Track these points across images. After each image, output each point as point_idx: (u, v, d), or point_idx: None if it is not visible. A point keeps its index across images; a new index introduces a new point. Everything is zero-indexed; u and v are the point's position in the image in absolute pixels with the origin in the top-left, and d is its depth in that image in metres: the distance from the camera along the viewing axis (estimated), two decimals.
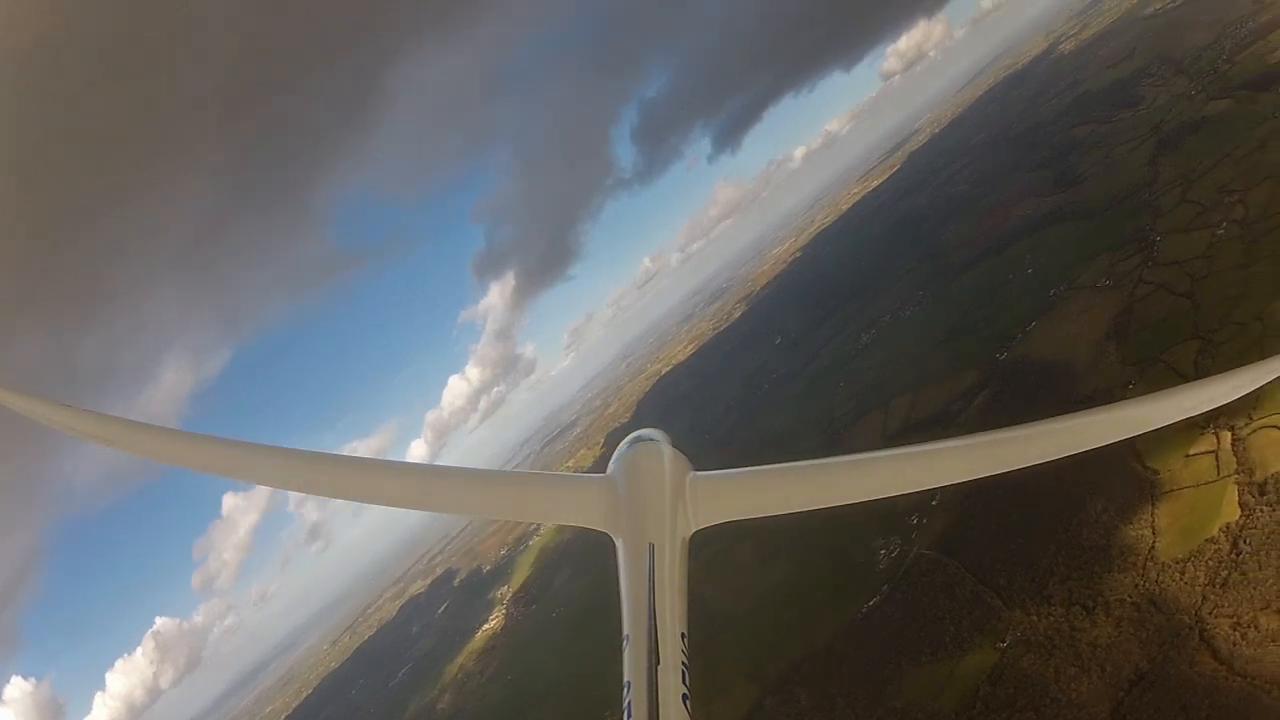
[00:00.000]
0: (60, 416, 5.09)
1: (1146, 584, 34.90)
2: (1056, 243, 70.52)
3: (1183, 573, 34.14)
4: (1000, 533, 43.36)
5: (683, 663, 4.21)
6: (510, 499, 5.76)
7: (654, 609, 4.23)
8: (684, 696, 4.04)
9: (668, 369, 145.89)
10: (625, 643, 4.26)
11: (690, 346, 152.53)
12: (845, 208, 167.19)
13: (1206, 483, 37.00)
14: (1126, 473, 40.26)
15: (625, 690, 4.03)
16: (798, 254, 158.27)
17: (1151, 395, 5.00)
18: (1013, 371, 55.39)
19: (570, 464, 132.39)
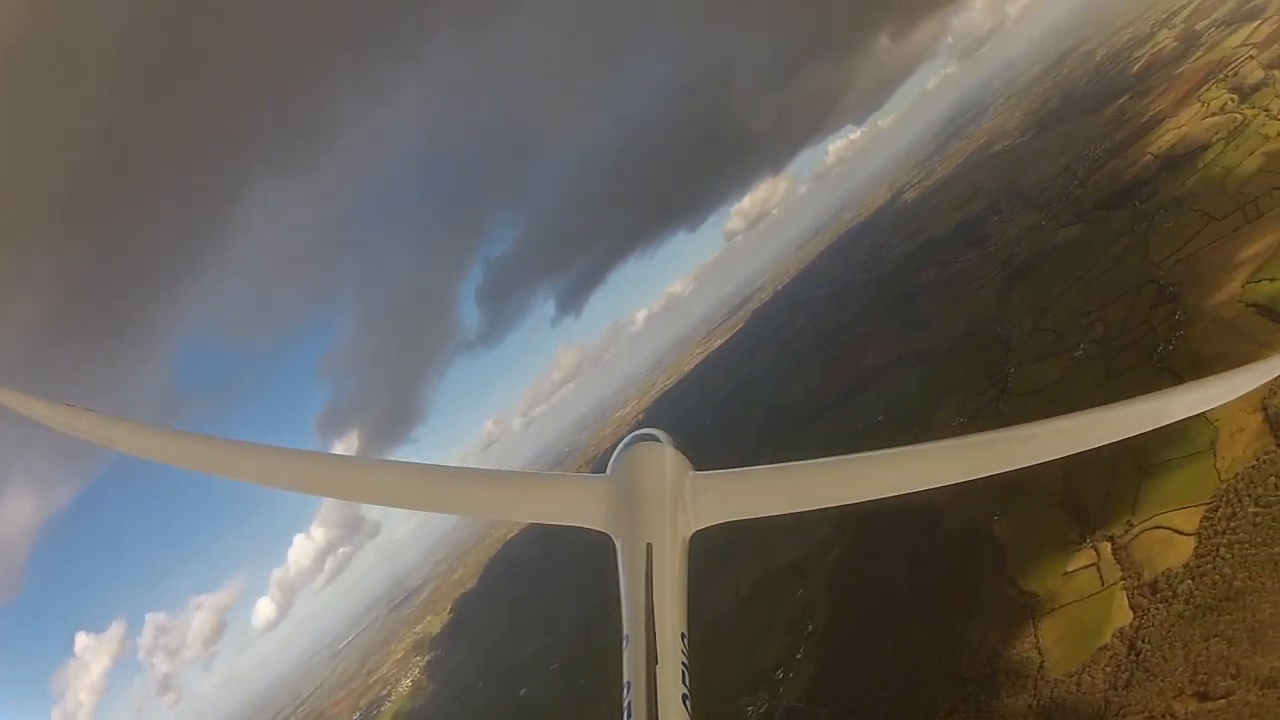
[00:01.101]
0: (62, 417, 5.77)
1: (1041, 701, 39.23)
2: (907, 387, 76.92)
3: (1079, 684, 38.67)
4: (875, 676, 48.00)
5: (682, 663, 4.66)
6: (508, 499, 6.48)
7: (653, 609, 4.79)
8: (684, 696, 4.49)
9: (512, 534, 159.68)
10: (625, 643, 4.76)
11: None
12: (688, 369, 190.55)
13: (1091, 595, 42.37)
14: (1002, 598, 46.05)
15: (625, 690, 4.51)
16: (640, 417, 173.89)
17: (1153, 395, 5.80)
18: (868, 520, 59.48)
19: (418, 629, 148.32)
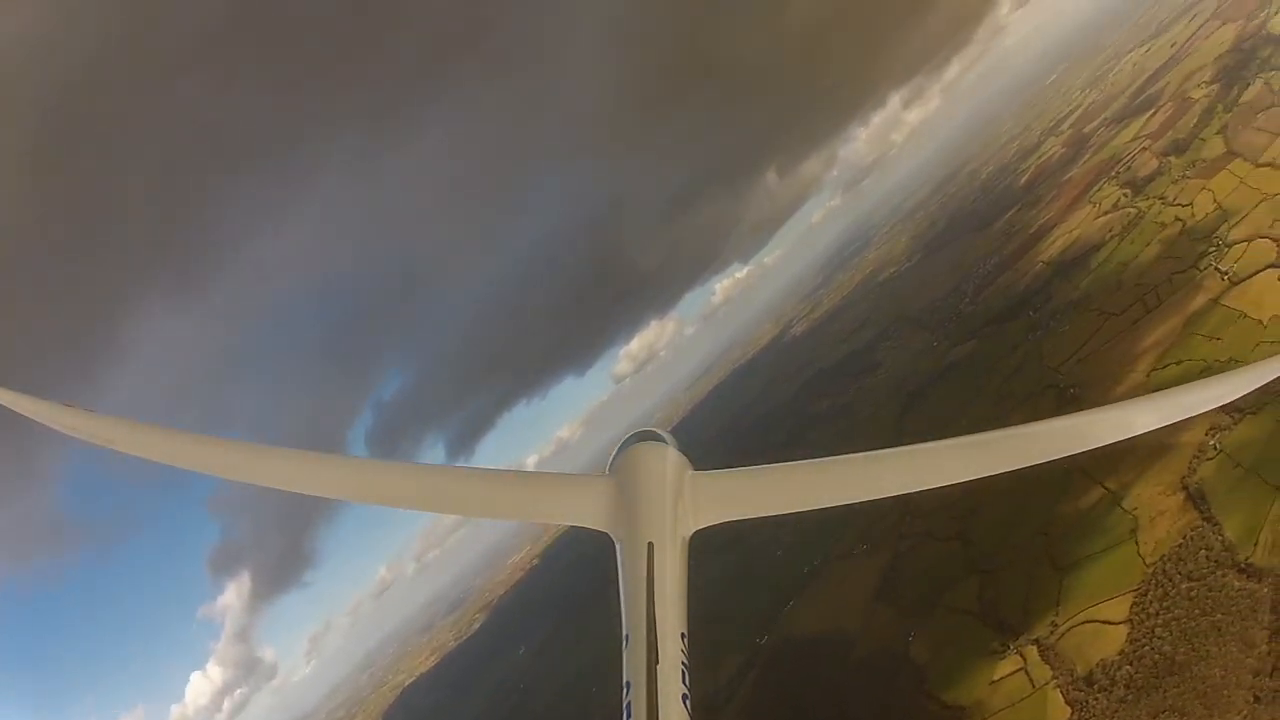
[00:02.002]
0: (63, 418, 6.58)
1: None
2: (805, 520, 79.57)
3: None
4: None
5: (682, 662, 5.15)
6: (508, 499, 7.16)
7: (653, 609, 5.33)
8: (684, 696, 4.95)
9: (411, 680, 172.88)
10: (625, 643, 5.29)
11: (433, 657, 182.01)
12: None
13: (1023, 699, 44.46)
14: (928, 716, 48.74)
15: (625, 690, 4.98)
16: (535, 561, 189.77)
17: (1154, 395, 6.81)
18: (778, 652, 65.47)
19: None
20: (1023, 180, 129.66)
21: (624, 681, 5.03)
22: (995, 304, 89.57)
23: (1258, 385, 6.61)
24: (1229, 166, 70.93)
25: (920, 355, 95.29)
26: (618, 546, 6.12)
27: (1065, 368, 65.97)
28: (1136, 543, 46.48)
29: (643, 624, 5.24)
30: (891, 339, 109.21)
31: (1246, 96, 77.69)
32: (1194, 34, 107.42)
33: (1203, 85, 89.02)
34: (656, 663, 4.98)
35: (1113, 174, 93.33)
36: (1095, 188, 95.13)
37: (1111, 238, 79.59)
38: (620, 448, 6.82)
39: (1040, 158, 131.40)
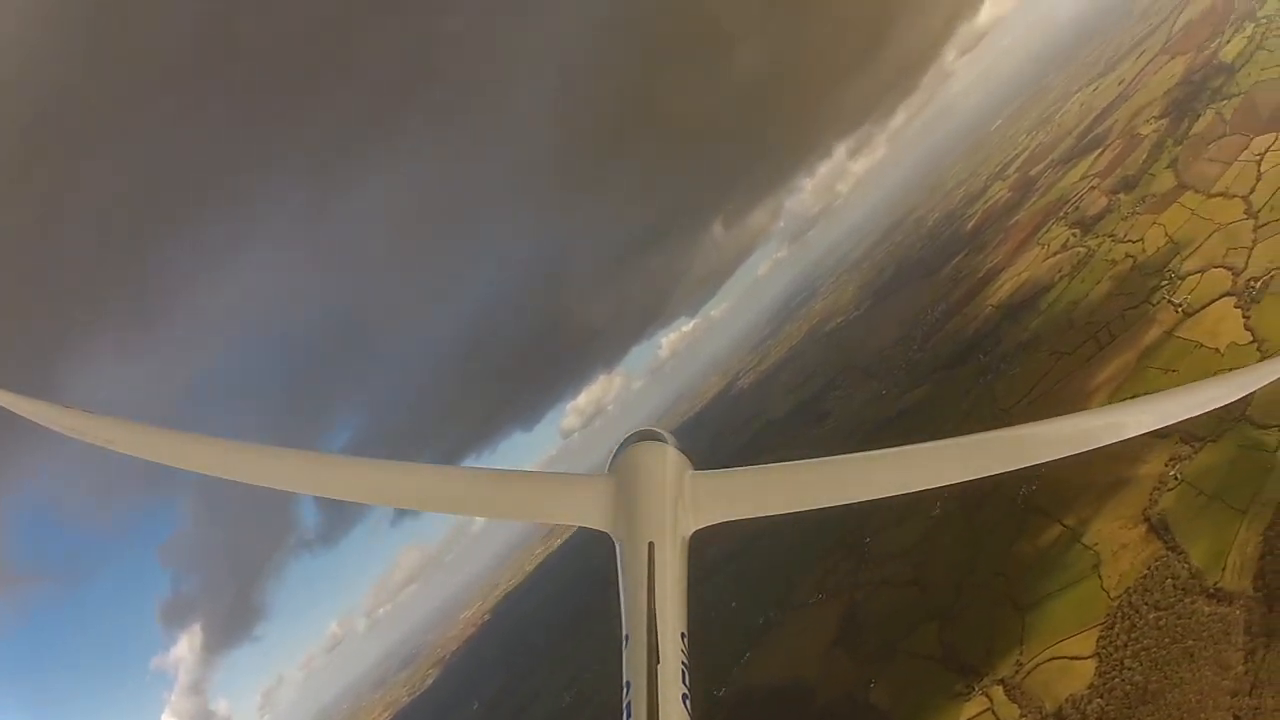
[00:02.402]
0: (62, 419, 6.86)
1: None
2: (759, 568, 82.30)
3: None
4: None
5: (683, 662, 5.39)
6: (508, 499, 7.44)
7: (653, 608, 5.55)
8: (684, 696, 5.17)
9: None
10: (625, 643, 5.48)
11: (386, 713, 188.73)
12: (530, 568, 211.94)
13: None
14: None
15: (625, 690, 5.17)
16: (487, 616, 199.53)
17: (1153, 395, 7.03)
18: (736, 704, 66.25)
19: None
20: (969, 226, 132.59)
21: (624, 681, 5.19)
22: (944, 350, 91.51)
23: (1256, 387, 6.91)
24: (1180, 199, 72.85)
25: (870, 403, 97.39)
26: (618, 546, 6.30)
27: (1018, 409, 66.88)
28: (1099, 577, 47.56)
29: (643, 624, 5.42)
30: (840, 388, 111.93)
31: (1197, 128, 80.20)
32: (1142, 70, 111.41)
33: (1151, 121, 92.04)
34: (657, 663, 5.16)
35: (1061, 215, 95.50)
36: (1043, 229, 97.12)
37: (1061, 278, 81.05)
38: (620, 447, 7.09)
39: (987, 202, 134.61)
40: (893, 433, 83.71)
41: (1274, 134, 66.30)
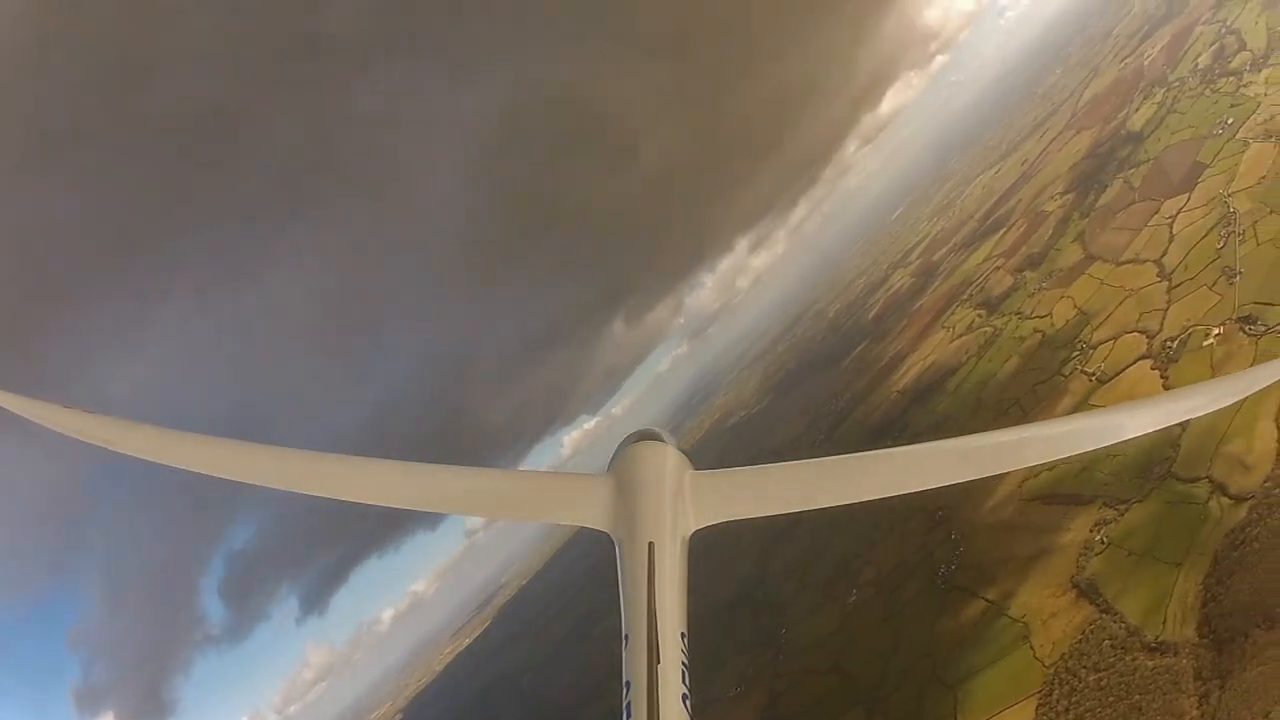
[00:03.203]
0: (63, 419, 7.33)
1: None
2: None
3: None
4: None
5: (682, 662, 5.63)
6: (508, 498, 8.02)
7: (653, 608, 5.82)
8: (684, 696, 5.40)
9: None
10: (625, 643, 5.74)
11: None
12: (439, 668, 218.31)
13: None
14: None
15: (625, 690, 5.41)
16: (398, 717, 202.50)
17: (1152, 398, 7.81)
18: None
19: None
20: (871, 314, 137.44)
21: (624, 681, 5.39)
22: (852, 438, 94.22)
23: (1255, 390, 7.18)
24: (1089, 271, 75.87)
25: None
26: (617, 546, 6.54)
27: (930, 491, 66.24)
28: (1031, 647, 48.24)
29: (643, 624, 5.64)
30: None
31: (1104, 199, 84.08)
32: (1046, 148, 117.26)
33: (1056, 197, 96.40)
34: (657, 662, 5.37)
35: (965, 297, 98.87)
36: (948, 312, 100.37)
37: (968, 358, 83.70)
38: (620, 447, 7.41)
39: (888, 290, 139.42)
40: (803, 528, 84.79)
41: (1186, 194, 69.73)
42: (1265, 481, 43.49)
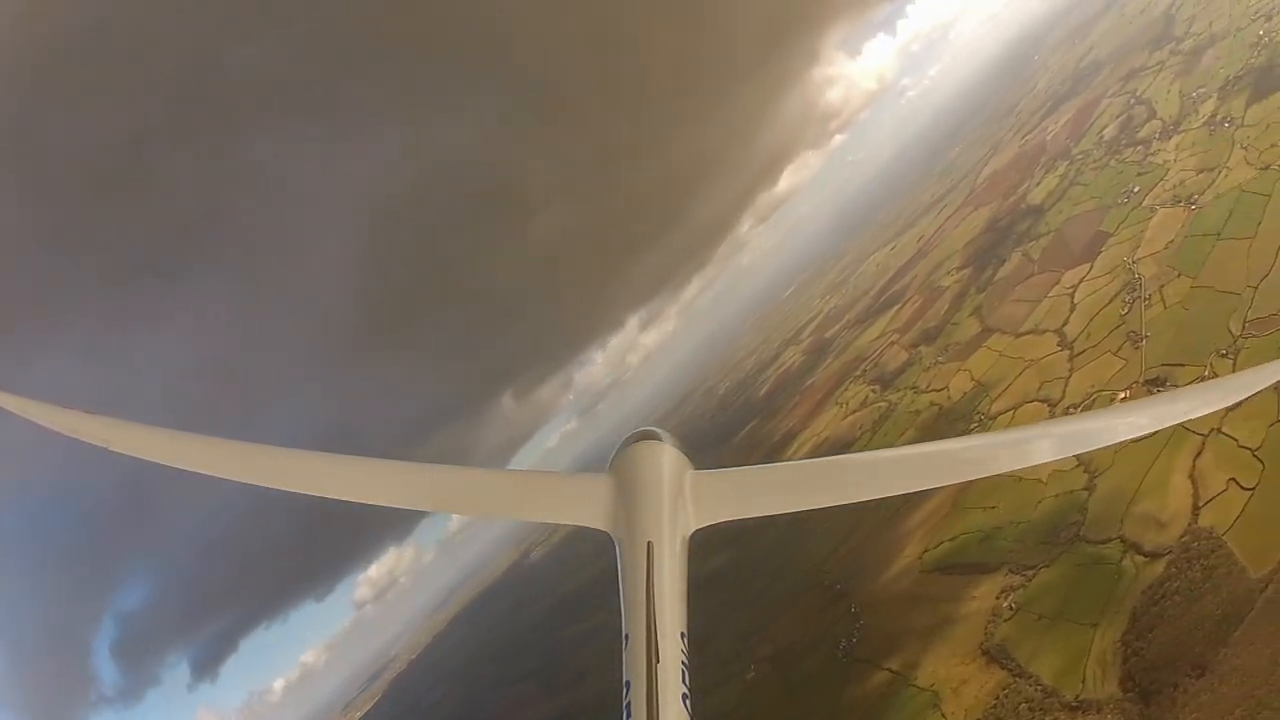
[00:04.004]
0: (62, 419, 7.32)
1: None
2: None
3: None
4: None
5: (682, 662, 5.66)
6: (508, 498, 8.02)
7: (653, 608, 5.87)
8: (684, 696, 5.44)
9: None
10: (625, 643, 5.78)
11: None
12: None
13: None
14: None
15: (625, 690, 5.44)
16: None
17: (1154, 398, 9.39)
18: None
19: None
20: (762, 391, 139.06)
21: (624, 681, 5.44)
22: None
23: (1254, 391, 7.20)
24: (987, 343, 76.33)
25: None
26: (617, 546, 6.60)
27: (829, 565, 69.30)
28: (943, 714, 48.02)
29: (642, 624, 5.69)
30: None
31: (1003, 272, 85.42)
32: (943, 224, 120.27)
33: (953, 272, 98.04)
34: (656, 662, 5.41)
35: (859, 373, 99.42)
36: (841, 389, 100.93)
37: (863, 433, 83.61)
38: (620, 447, 7.41)
39: (780, 367, 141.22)
40: (698, 598, 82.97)
41: (1088, 264, 70.93)
42: (1183, 536, 43.36)
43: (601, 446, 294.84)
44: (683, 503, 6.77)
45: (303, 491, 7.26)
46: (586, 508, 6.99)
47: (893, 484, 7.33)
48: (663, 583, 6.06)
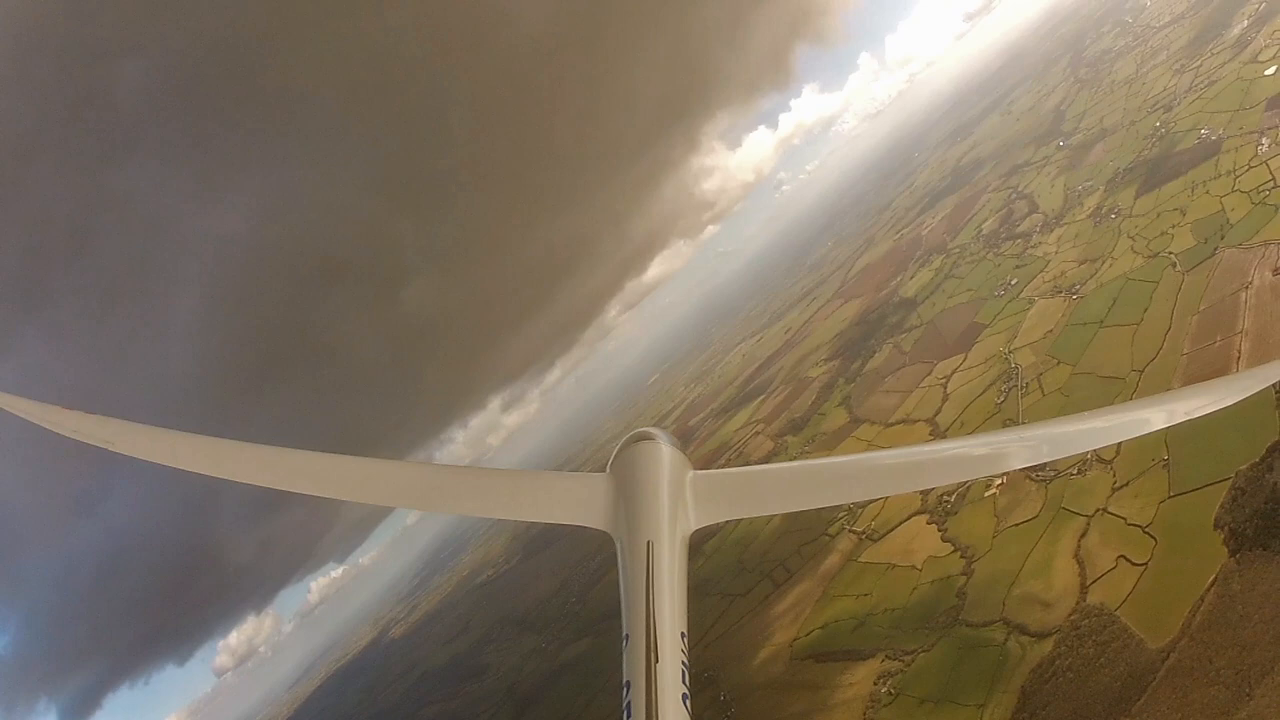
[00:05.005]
0: (62, 420, 7.28)
1: None
2: None
3: None
4: None
5: (682, 662, 5.45)
6: (508, 498, 7.88)
7: (652, 608, 5.62)
8: (683, 696, 5.24)
9: None
10: (625, 642, 5.55)
11: None
12: None
13: None
14: None
15: (625, 690, 5.27)
16: None
17: (1155, 397, 7.63)
18: None
19: None
20: None
21: (623, 681, 5.25)
22: (607, 600, 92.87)
23: (1257, 389, 7.26)
24: (855, 433, 77.16)
25: (530, 657, 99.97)
26: (617, 546, 6.36)
27: (694, 654, 65.64)
28: None
29: (642, 623, 5.45)
30: (497, 641, 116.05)
31: (873, 363, 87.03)
32: (812, 316, 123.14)
33: (821, 363, 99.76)
34: (656, 662, 5.19)
35: (722, 461, 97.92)
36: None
37: (726, 521, 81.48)
38: (620, 447, 7.16)
39: None
40: (554, 689, 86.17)
41: (963, 354, 72.15)
42: (1071, 615, 42.93)
43: (462, 525, 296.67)
44: (683, 503, 6.60)
45: (303, 492, 7.20)
46: (586, 508, 6.83)
47: (893, 484, 7.34)
48: (662, 583, 5.82)
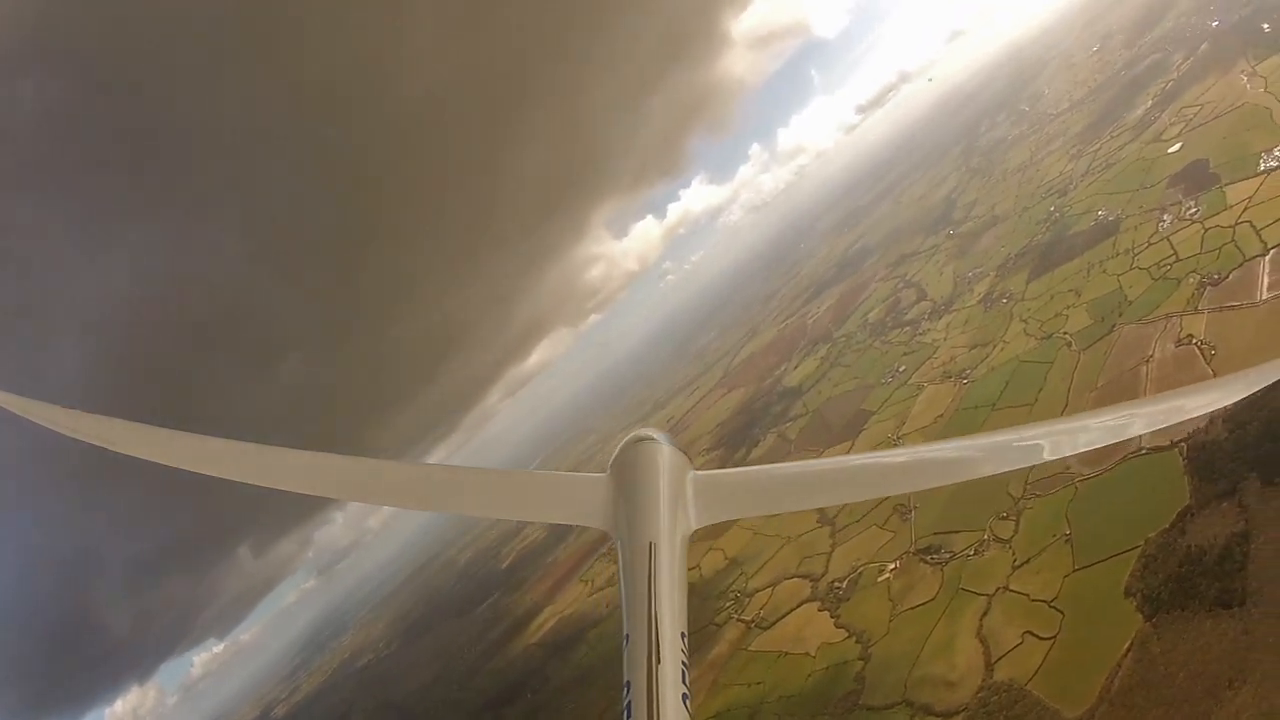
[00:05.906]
0: (62, 419, 7.25)
1: None
2: None
3: None
4: None
5: (682, 662, 5.51)
6: (509, 499, 8.02)
7: (653, 608, 5.69)
8: (684, 696, 5.30)
9: None
10: (625, 643, 5.64)
11: None
12: None
13: None
14: None
15: (625, 690, 5.32)
16: None
17: (1165, 394, 7.61)
18: None
19: None
20: (505, 564, 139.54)
21: (624, 681, 5.29)
22: (489, 688, 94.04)
23: (1257, 389, 7.21)
24: (740, 522, 75.03)
25: None
26: (618, 546, 6.44)
27: None
28: None
29: (643, 624, 5.53)
30: None
31: (756, 453, 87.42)
32: (693, 407, 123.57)
33: (703, 453, 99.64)
34: (657, 662, 5.26)
35: (604, 551, 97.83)
36: (586, 566, 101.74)
37: (612, 610, 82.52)
38: (620, 448, 7.20)
39: (522, 541, 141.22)
40: None
41: (849, 442, 72.68)
42: (979, 692, 42.64)
43: (342, 608, 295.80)
44: (683, 503, 6.67)
45: (304, 492, 7.30)
46: (587, 508, 6.89)
47: (893, 484, 7.56)
48: (663, 583, 5.89)
